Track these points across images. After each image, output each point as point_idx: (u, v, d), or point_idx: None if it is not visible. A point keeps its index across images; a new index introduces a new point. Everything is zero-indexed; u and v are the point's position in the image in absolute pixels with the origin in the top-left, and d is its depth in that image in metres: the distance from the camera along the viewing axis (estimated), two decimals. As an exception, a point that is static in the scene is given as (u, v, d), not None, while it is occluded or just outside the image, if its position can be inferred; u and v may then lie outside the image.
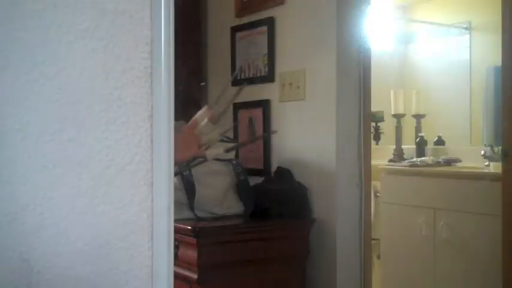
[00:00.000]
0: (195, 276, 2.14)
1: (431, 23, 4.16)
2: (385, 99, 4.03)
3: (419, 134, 3.97)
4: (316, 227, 2.46)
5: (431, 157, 3.64)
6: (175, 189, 1.80)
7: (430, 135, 3.95)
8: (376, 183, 3.51)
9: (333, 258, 2.42)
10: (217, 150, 1.60)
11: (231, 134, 2.74)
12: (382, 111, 4.08)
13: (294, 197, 2.49)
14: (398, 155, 3.92)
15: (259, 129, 2.76)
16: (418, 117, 4.07)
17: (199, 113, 1.52)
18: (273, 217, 2.44)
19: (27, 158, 0.74)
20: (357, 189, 2.50)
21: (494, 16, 2.95)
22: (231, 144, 2.12)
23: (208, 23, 3.18)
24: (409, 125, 4.12)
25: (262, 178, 2.63)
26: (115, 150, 0.80)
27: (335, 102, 2.42)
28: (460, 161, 3.59)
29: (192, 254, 2.16)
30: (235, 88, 2.80)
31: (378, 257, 3.59)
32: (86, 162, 0.78)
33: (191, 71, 3.08)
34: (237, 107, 2.85)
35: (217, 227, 2.30)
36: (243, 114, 2.85)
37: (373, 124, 3.96)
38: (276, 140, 2.70)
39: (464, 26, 3.93)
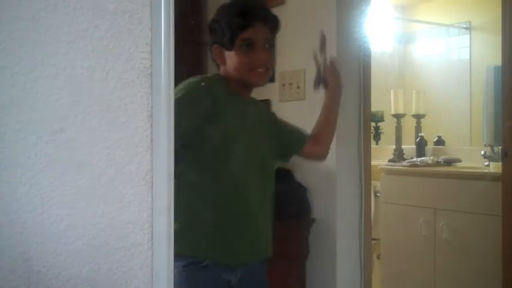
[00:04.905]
0: (195, 276, 2.14)
1: (431, 23, 4.17)
2: (385, 99, 4.02)
3: (419, 134, 3.97)
4: (316, 227, 2.46)
5: (431, 157, 3.64)
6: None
7: (430, 135, 3.95)
8: (376, 183, 3.51)
9: (333, 258, 2.42)
10: None
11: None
12: (382, 111, 4.08)
13: (294, 197, 2.48)
14: (399, 155, 3.92)
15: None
16: (418, 117, 4.07)
17: None
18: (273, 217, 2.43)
19: (27, 158, 0.74)
20: (357, 189, 2.50)
21: (494, 16, 2.95)
22: None
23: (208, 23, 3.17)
24: (409, 125, 4.12)
25: (262, 178, 2.63)
26: (115, 150, 0.80)
27: (335, 102, 2.42)
28: (460, 161, 3.59)
29: (192, 254, 2.16)
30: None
31: (378, 257, 3.59)
32: (86, 162, 0.78)
33: (191, 71, 3.07)
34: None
35: (217, 227, 2.29)
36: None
37: (373, 124, 3.96)
38: (276, 140, 2.70)
39: (464, 26, 3.94)
